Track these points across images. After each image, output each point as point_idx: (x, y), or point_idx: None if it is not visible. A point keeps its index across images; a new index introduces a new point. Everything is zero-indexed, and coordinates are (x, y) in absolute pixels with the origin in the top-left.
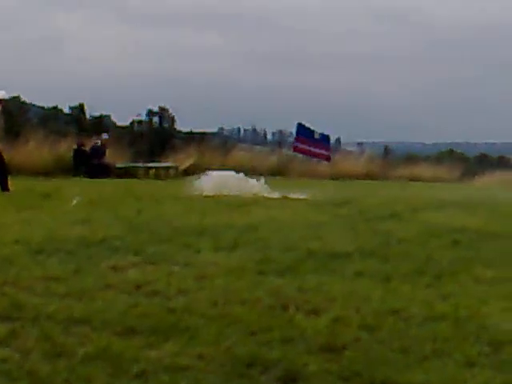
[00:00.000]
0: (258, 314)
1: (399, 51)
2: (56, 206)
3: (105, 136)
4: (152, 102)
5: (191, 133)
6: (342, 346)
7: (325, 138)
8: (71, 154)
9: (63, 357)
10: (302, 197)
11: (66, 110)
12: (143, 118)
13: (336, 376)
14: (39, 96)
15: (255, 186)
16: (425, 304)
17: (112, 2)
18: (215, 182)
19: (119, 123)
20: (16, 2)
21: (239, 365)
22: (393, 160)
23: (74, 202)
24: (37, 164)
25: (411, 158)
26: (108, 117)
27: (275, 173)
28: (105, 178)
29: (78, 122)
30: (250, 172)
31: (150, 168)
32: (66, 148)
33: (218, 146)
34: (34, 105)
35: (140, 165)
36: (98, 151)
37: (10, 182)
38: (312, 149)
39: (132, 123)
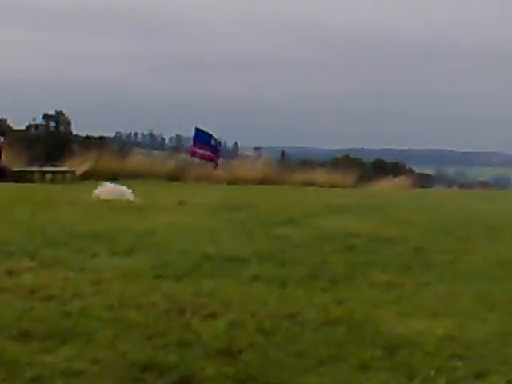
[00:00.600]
0: (154, 319)
1: (296, 57)
2: None
3: (1, 139)
4: (48, 106)
5: (88, 137)
6: (238, 350)
7: (218, 145)
8: None
9: None
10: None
11: None
12: (40, 121)
13: (232, 380)
14: None
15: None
16: (320, 308)
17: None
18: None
19: (15, 127)
20: None
21: (135, 369)
22: (289, 165)
23: None
24: None
25: (308, 163)
26: (4, 121)
27: (173, 178)
28: (1, 181)
29: None
30: (148, 177)
31: (47, 172)
32: None
33: (115, 151)
34: None
35: (36, 169)
36: None
37: None
38: (208, 154)
39: (28, 127)
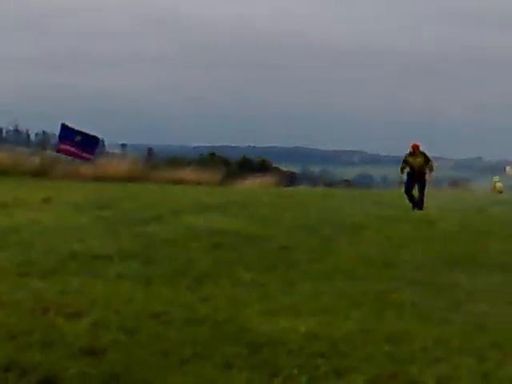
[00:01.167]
0: (18, 318)
1: (160, 52)
2: None
3: None
4: None
5: None
6: (102, 349)
7: (91, 140)
8: None
9: None
10: None
11: None
12: None
13: (95, 379)
14: None
15: None
16: (185, 307)
17: None
18: None
19: None
20: None
21: None
22: (156, 162)
23: None
24: None
25: (174, 160)
26: None
27: (38, 174)
28: None
29: None
30: (12, 173)
31: None
32: None
33: None
34: None
35: None
36: None
37: None
38: (74, 150)
39: None
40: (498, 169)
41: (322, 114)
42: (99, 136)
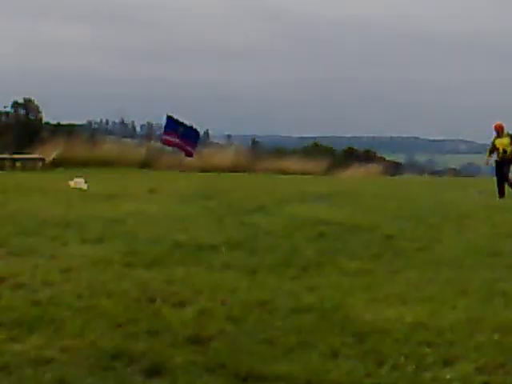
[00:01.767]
0: (124, 307)
1: (270, 47)
2: None
3: None
4: (18, 94)
5: (59, 125)
6: (207, 338)
7: (192, 133)
8: None
9: None
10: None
11: None
12: (9, 109)
13: (201, 367)
14: None
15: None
16: (291, 296)
17: None
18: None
19: None
20: None
21: (104, 357)
22: (260, 153)
23: None
24: None
25: (279, 150)
26: None
27: (144, 165)
28: None
29: None
30: (118, 164)
31: (17, 160)
32: None
33: (85, 139)
34: None
35: (6, 156)
36: None
37: None
38: (179, 142)
39: None
40: None
41: (432, 103)
42: (200, 128)
